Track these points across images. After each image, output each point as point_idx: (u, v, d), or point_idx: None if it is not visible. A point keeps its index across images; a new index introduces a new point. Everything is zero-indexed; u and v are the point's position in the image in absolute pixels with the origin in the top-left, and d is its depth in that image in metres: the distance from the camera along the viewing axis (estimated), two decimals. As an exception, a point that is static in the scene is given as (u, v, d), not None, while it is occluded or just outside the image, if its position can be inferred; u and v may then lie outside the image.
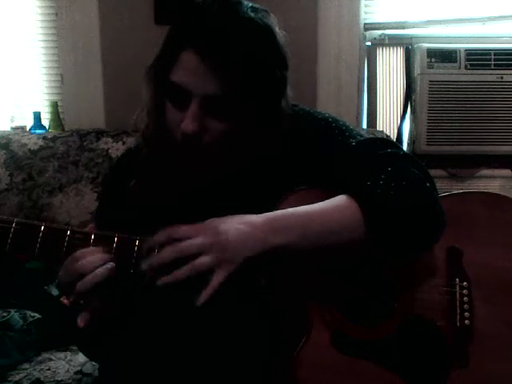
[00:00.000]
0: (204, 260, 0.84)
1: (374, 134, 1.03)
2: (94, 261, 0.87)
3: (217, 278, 0.84)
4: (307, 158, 1.01)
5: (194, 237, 0.86)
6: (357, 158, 0.97)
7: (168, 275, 0.84)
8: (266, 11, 0.97)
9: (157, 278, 0.84)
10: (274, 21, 0.96)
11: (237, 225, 0.87)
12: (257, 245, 0.86)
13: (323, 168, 1.00)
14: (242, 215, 0.89)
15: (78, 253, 0.88)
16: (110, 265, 0.88)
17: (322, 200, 0.93)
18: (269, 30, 0.95)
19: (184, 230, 0.87)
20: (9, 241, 0.88)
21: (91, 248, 0.89)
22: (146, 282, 0.86)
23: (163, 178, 1.03)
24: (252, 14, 0.93)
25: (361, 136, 1.02)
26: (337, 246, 0.91)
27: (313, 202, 0.93)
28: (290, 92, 1.00)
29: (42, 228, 0.89)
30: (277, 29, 0.96)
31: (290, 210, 0.92)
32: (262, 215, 0.89)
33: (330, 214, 0.91)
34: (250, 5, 0.95)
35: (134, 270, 0.89)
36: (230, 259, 0.85)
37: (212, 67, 0.90)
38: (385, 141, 1.02)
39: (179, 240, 0.86)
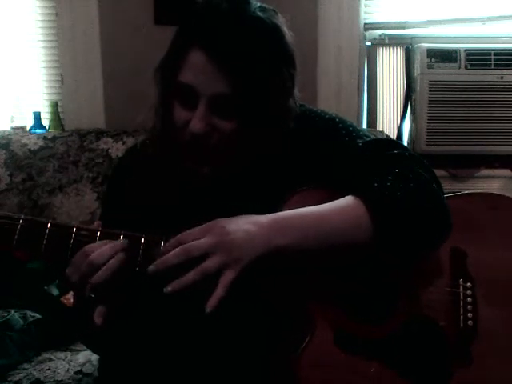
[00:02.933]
0: (211, 262, 0.84)
1: (374, 135, 1.03)
2: (105, 252, 0.87)
3: (225, 279, 0.84)
4: (313, 157, 1.01)
5: (200, 238, 0.85)
6: (363, 159, 0.97)
7: (176, 281, 0.83)
8: (273, 11, 0.97)
9: (164, 282, 0.84)
10: (282, 20, 0.97)
11: (243, 225, 0.87)
12: (262, 245, 0.86)
13: (329, 168, 0.99)
14: (248, 215, 0.89)
15: (87, 247, 0.88)
16: (122, 254, 0.88)
17: (326, 201, 0.93)
18: (277, 30, 0.95)
19: (190, 232, 0.87)
20: (15, 237, 0.88)
21: (98, 242, 0.89)
22: (154, 286, 0.85)
23: (166, 177, 1.03)
24: (260, 14, 0.93)
25: (367, 137, 1.02)
26: (342, 247, 0.91)
27: (316, 203, 0.93)
28: (297, 92, 1.00)
29: (49, 225, 0.89)
30: (285, 28, 0.96)
31: (297, 210, 0.92)
32: (268, 215, 0.89)
33: (337, 214, 0.91)
34: (259, 4, 0.95)
35: (139, 268, 0.89)
36: (237, 259, 0.84)
37: (220, 66, 0.90)
38: (391, 141, 1.03)
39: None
